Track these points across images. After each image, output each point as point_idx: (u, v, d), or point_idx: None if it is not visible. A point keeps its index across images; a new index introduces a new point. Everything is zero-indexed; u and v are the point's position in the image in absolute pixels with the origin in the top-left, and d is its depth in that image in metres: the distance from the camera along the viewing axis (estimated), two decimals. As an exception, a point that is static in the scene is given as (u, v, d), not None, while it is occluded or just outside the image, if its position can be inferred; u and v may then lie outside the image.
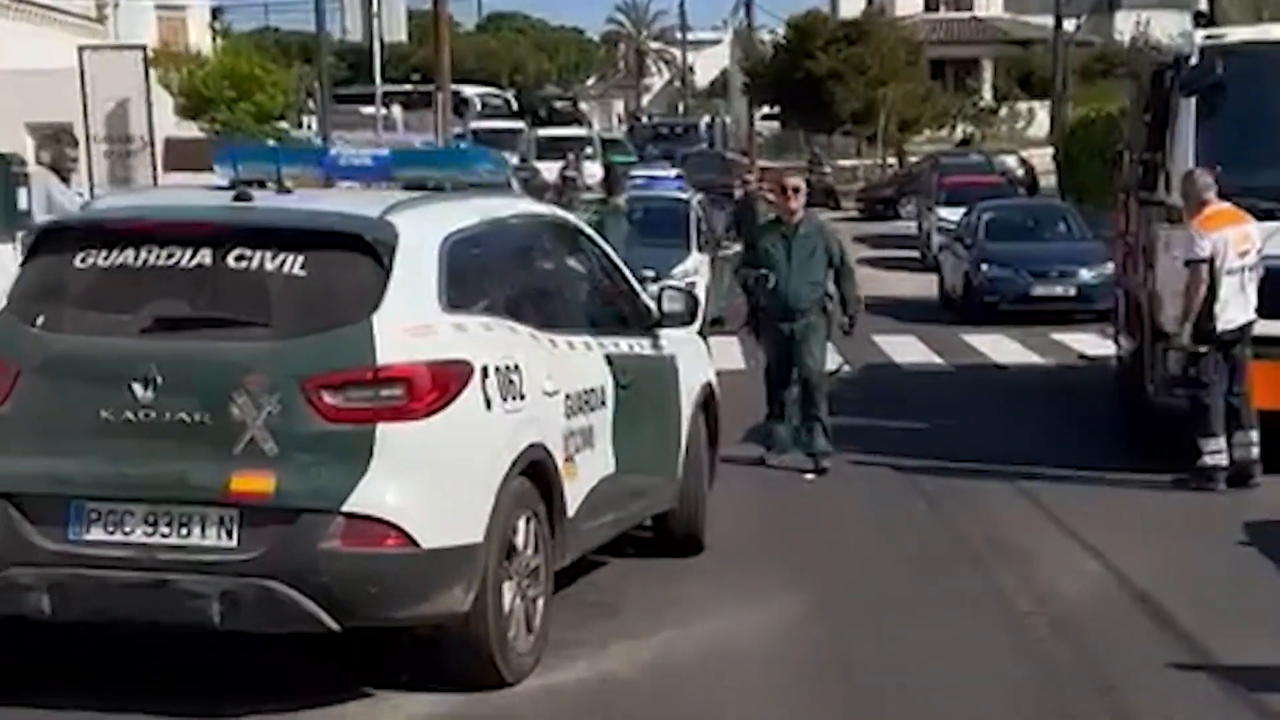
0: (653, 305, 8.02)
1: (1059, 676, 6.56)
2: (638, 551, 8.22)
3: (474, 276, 6.45)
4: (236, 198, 6.33)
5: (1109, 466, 10.90)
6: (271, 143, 18.56)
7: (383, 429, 5.73)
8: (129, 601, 5.75)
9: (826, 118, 46.00)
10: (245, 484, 5.67)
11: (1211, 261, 10.03)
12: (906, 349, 18.41)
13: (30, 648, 6.29)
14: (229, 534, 5.70)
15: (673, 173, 28.03)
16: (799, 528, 9.48)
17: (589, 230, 7.87)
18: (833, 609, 7.61)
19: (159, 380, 5.72)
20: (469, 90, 56.09)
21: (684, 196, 20.54)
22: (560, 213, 7.87)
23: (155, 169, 18.71)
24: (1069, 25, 51.64)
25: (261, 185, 6.74)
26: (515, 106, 65.81)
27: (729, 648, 6.95)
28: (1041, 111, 52.81)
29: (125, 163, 18.75)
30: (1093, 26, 51.49)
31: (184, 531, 5.73)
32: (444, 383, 5.88)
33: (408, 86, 47.98)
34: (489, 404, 6.09)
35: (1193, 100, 10.72)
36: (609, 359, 7.32)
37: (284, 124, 43.34)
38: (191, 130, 34.27)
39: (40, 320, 5.98)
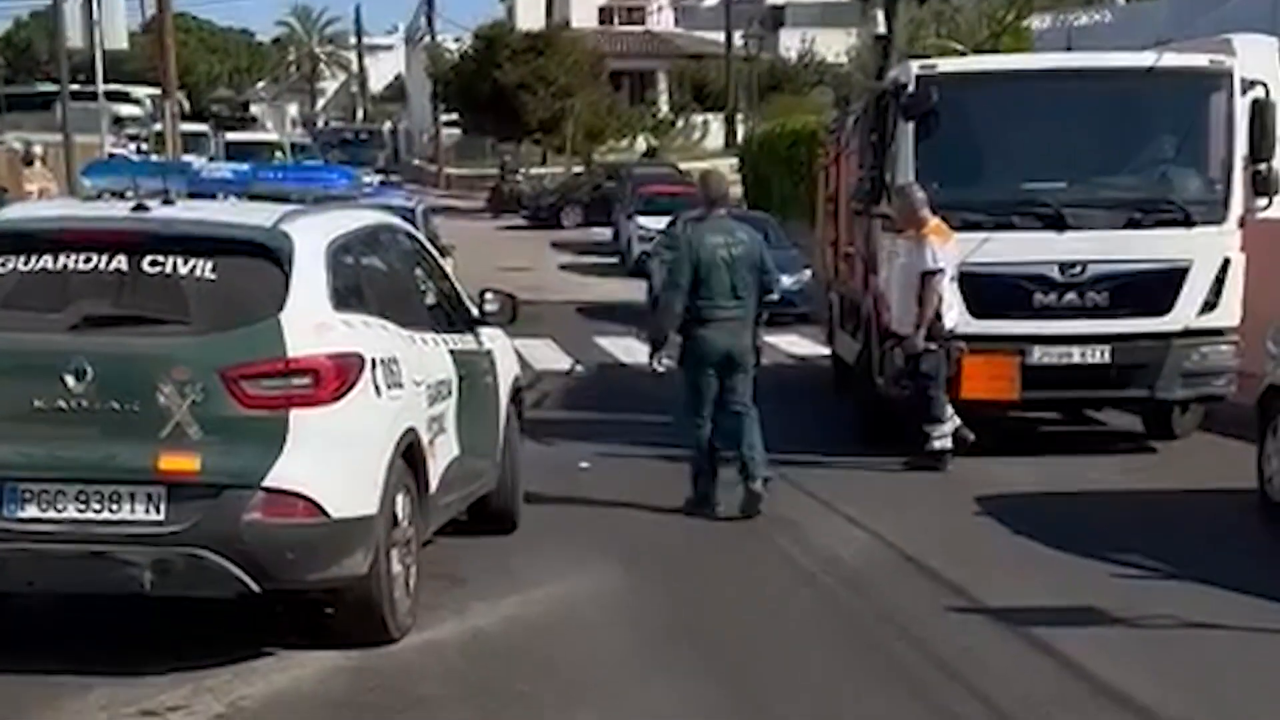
0: (473, 306, 8.90)
1: (862, 623, 7.67)
2: (456, 530, 9.03)
3: (350, 279, 7.20)
4: (135, 208, 6.95)
5: (844, 451, 12.18)
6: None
7: (294, 414, 6.46)
8: (64, 572, 6.34)
9: (515, 126, 47.13)
10: (173, 463, 6.32)
11: (942, 270, 11.39)
12: (629, 349, 19.48)
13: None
14: (157, 509, 6.33)
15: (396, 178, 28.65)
16: (588, 509, 10.38)
17: (423, 238, 8.66)
18: (648, 575, 8.59)
19: (89, 373, 6.32)
20: (140, 92, 55.06)
21: (411, 204, 21.21)
22: (402, 222, 8.64)
23: None
24: (738, 40, 54.12)
25: (121, 196, 7.41)
26: (187, 109, 64.82)
27: (574, 607, 7.89)
28: (715, 123, 55.06)
29: None
30: (760, 43, 53.97)
31: (114, 508, 6.33)
32: (344, 373, 6.65)
33: (75, 86, 47.10)
34: (379, 391, 6.87)
35: (911, 124, 12.07)
36: (452, 353, 8.16)
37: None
38: None
39: None
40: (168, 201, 7.22)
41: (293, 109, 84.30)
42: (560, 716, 6.20)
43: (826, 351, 17.55)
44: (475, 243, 28.70)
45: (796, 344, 19.61)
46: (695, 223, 10.29)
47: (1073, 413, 13.40)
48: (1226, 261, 11.85)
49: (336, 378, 6.60)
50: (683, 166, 38.86)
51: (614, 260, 31.74)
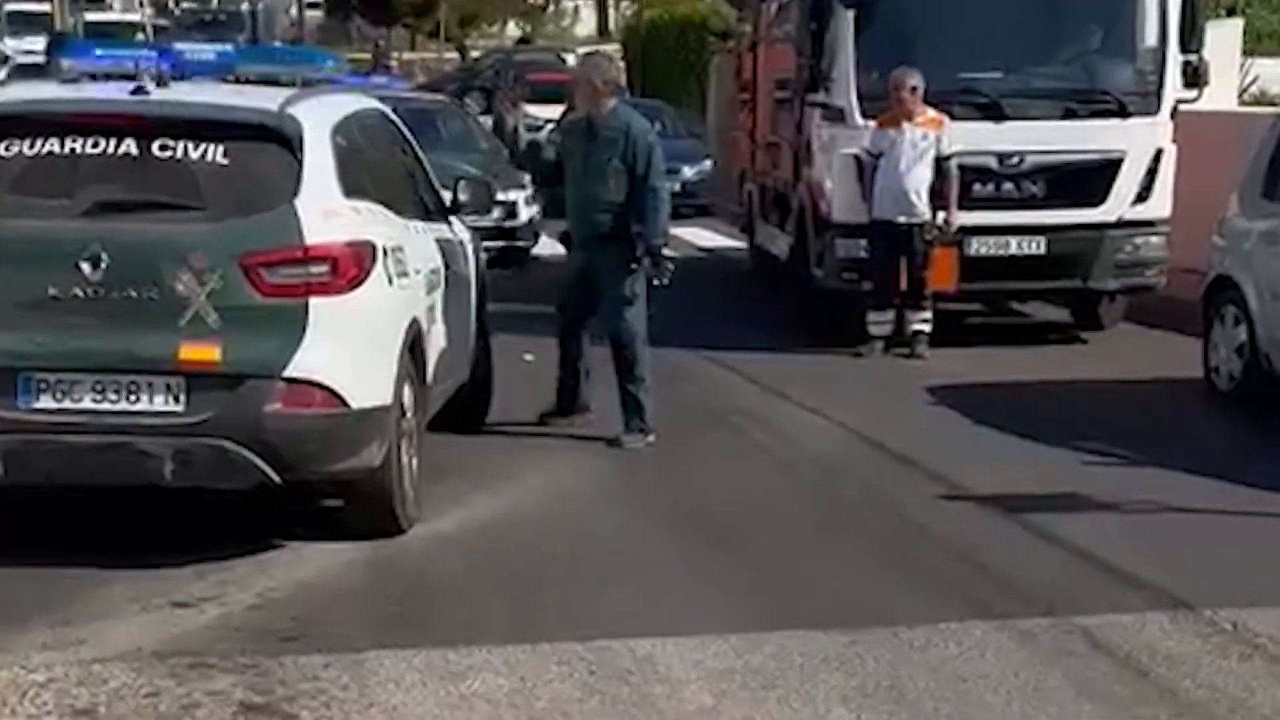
0: (446, 194, 8.78)
1: (856, 511, 7.78)
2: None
3: (353, 165, 7.06)
4: (135, 90, 6.75)
5: (781, 344, 12.23)
6: None
7: (314, 302, 6.35)
8: (83, 464, 6.20)
9: (385, 9, 46.26)
10: (193, 353, 6.19)
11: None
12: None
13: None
14: (176, 399, 6.22)
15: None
16: (545, 402, 10.31)
17: (400, 122, 8.51)
18: (630, 466, 8.58)
19: (105, 260, 6.16)
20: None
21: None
22: (382, 106, 8.47)
23: None
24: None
25: (109, 78, 7.22)
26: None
27: (569, 497, 7.92)
28: (586, 9, 54.49)
29: None
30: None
31: (133, 398, 6.21)
32: (360, 260, 6.55)
33: None
34: (390, 280, 6.78)
35: (850, 12, 12.08)
36: (438, 242, 8.06)
37: None
38: None
39: None
40: (162, 84, 7.01)
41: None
42: (593, 597, 6.21)
43: (735, 244, 17.62)
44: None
45: (704, 237, 19.61)
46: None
47: (997, 304, 13.60)
48: (1159, 153, 12.07)
49: (354, 265, 6.50)
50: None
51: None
